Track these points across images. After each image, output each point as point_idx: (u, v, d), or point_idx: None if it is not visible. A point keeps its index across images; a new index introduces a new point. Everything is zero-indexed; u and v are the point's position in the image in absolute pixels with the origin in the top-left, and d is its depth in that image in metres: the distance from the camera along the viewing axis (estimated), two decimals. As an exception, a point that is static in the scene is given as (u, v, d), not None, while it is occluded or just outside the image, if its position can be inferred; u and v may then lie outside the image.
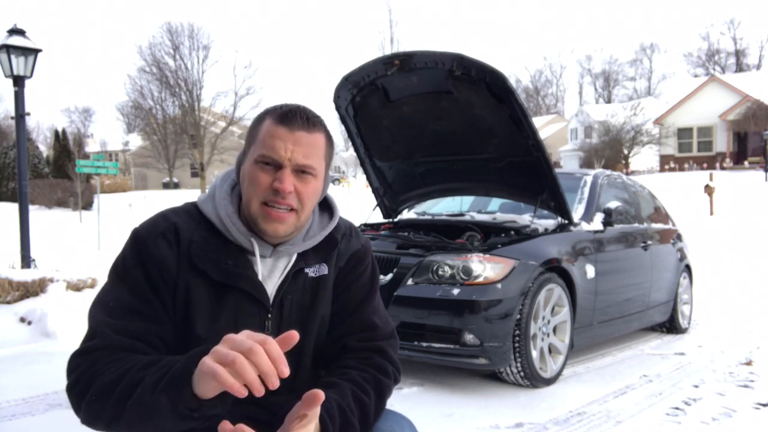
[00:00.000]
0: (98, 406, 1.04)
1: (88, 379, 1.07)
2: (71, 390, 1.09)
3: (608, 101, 58.43)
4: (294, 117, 1.21)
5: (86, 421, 1.08)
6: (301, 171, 1.21)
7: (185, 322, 1.20)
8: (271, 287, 1.26)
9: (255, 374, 0.88)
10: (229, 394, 0.94)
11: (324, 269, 1.32)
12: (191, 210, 1.29)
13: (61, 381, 1.15)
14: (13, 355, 4.12)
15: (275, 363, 0.89)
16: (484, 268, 3.34)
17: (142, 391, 0.99)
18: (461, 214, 4.58)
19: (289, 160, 1.19)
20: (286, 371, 0.89)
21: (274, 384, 0.88)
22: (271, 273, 1.27)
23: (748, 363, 4.18)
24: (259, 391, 0.88)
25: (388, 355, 1.30)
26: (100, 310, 1.17)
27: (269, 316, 1.25)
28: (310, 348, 1.29)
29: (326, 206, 1.39)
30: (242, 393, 0.89)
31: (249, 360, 0.89)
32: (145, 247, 1.20)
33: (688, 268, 5.66)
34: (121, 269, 1.21)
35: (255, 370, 0.88)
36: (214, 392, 0.94)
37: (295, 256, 1.28)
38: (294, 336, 0.93)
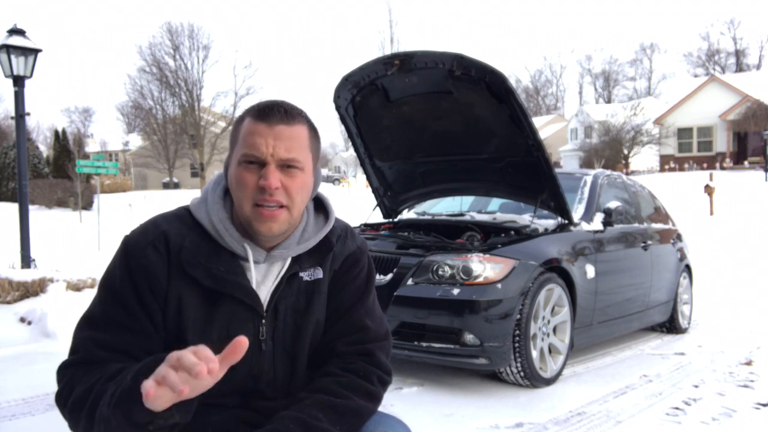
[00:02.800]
0: (76, 416, 1.09)
1: (69, 391, 1.11)
2: (57, 401, 1.16)
3: (608, 101, 58.46)
4: (272, 111, 1.18)
5: (71, 428, 1.14)
6: (286, 165, 1.18)
7: (177, 331, 1.18)
8: (265, 292, 1.24)
9: (178, 379, 0.90)
10: (188, 403, 0.96)
11: (318, 273, 1.29)
12: (183, 215, 1.26)
13: (61, 381, 1.17)
14: (13, 355, 4.12)
15: (204, 361, 0.90)
16: (484, 268, 3.34)
17: (102, 404, 1.02)
18: (461, 214, 4.58)
19: (271, 155, 1.16)
20: (214, 366, 0.90)
21: (201, 373, 0.89)
22: (265, 278, 1.25)
23: (748, 363, 4.18)
24: (180, 391, 0.89)
25: (375, 358, 1.28)
26: (86, 323, 1.18)
27: (263, 321, 1.23)
28: (305, 352, 1.27)
29: (321, 208, 1.36)
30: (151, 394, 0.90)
31: (177, 370, 0.90)
32: (135, 257, 1.18)
33: (688, 268, 5.66)
34: (109, 281, 1.20)
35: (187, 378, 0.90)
36: (164, 405, 0.93)
37: (289, 261, 1.26)
38: (243, 342, 0.91)
